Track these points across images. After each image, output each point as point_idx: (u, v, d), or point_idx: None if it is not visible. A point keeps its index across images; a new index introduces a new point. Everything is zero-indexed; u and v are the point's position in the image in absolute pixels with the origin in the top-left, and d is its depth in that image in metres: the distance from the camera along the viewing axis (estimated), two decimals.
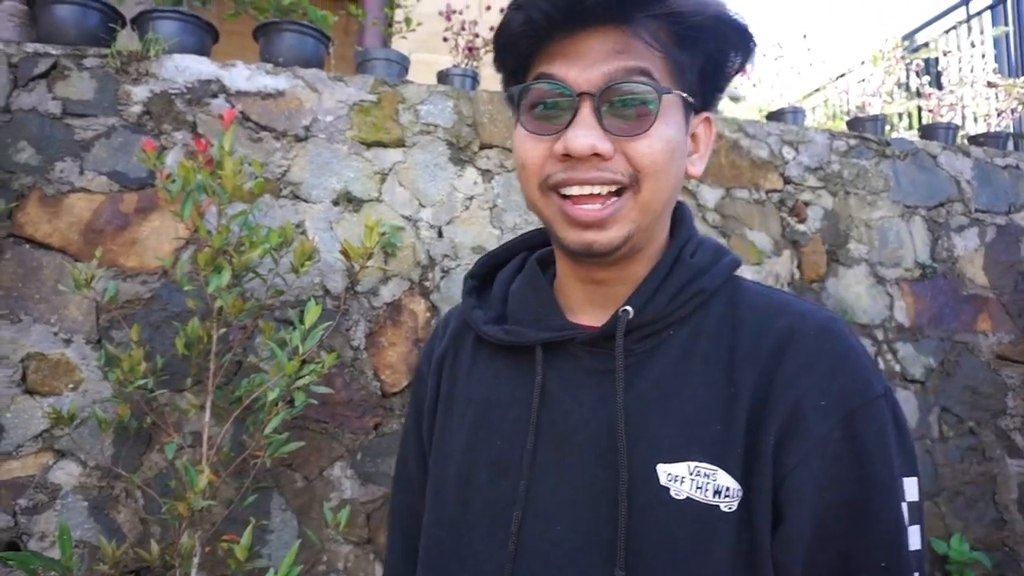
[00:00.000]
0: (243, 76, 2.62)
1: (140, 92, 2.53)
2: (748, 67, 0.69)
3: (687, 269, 0.68)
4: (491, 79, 3.38)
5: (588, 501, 0.63)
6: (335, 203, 2.58)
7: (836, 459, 0.60)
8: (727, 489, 0.61)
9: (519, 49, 0.65)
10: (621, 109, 0.62)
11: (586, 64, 0.62)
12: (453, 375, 0.77)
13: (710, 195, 2.99)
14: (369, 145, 2.66)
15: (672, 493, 0.61)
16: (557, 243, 0.68)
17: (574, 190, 0.63)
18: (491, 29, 3.33)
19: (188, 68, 2.58)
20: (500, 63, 0.69)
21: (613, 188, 0.63)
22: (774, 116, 3.43)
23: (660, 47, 0.62)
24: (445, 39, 3.16)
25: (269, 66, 2.65)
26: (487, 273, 0.79)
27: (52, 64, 2.48)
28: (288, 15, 2.81)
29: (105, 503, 2.16)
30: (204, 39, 2.76)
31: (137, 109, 2.52)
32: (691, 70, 0.66)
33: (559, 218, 0.65)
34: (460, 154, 2.75)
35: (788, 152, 3.13)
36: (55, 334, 2.26)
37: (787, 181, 3.11)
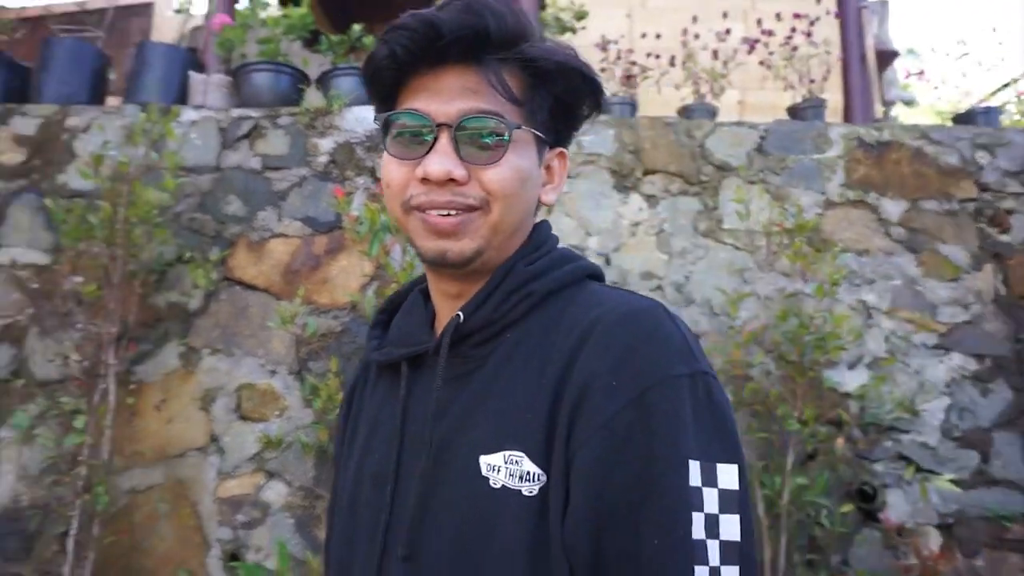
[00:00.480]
0: None
1: (326, 144, 2.77)
2: (599, 107, 0.77)
3: (518, 276, 0.72)
4: (648, 104, 3.36)
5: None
6: None
7: (625, 440, 0.61)
8: (529, 474, 0.64)
9: (384, 80, 0.71)
10: (476, 140, 0.68)
11: (444, 99, 0.69)
12: (360, 402, 0.84)
13: (893, 208, 2.79)
14: None
15: (491, 483, 0.64)
16: (420, 256, 0.74)
17: (431, 214, 0.70)
18: (647, 56, 3.34)
19: (366, 118, 2.79)
20: (370, 91, 0.76)
21: (464, 210, 0.70)
22: (962, 119, 3.15)
23: (505, 91, 0.69)
24: (603, 70, 3.20)
25: None
26: (393, 308, 0.84)
27: (253, 125, 2.78)
28: None
29: (308, 521, 2.35)
30: None
31: (324, 159, 2.76)
32: (542, 110, 0.72)
33: (419, 230, 0.71)
34: (624, 181, 2.76)
35: (982, 157, 2.86)
36: (262, 366, 2.50)
37: (983, 188, 2.83)
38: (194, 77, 2.99)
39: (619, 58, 3.24)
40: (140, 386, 2.50)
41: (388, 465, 0.72)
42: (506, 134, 0.68)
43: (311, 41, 3.18)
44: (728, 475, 0.61)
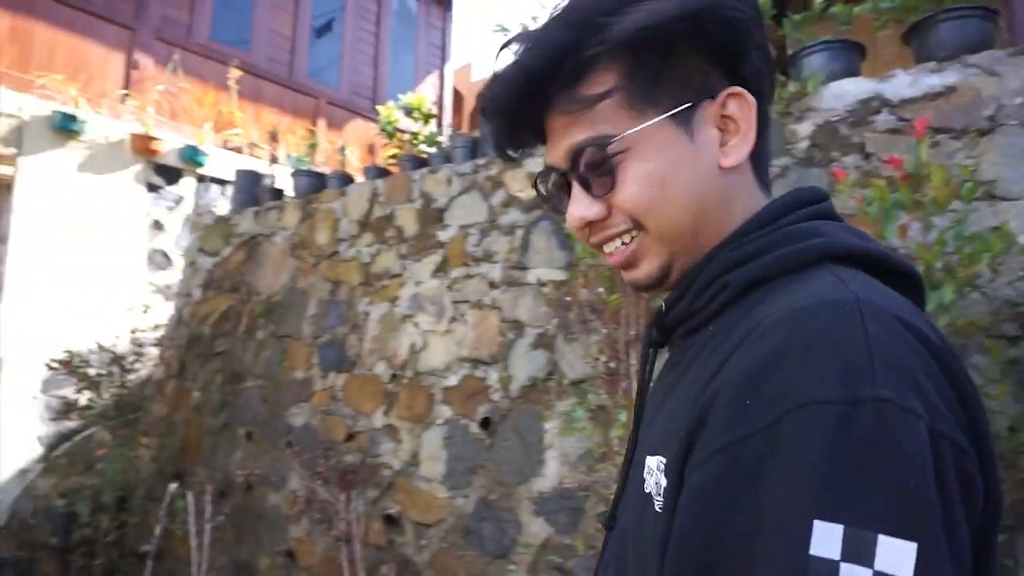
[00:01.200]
0: (904, 83, 2.50)
1: (804, 128, 2.66)
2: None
3: (717, 264, 0.62)
4: None
5: None
6: None
7: (743, 475, 0.46)
8: (659, 486, 0.57)
9: (516, 134, 0.70)
10: (592, 173, 0.63)
11: (554, 144, 0.66)
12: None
13: None
14: None
15: (645, 486, 0.61)
16: None
17: (604, 252, 0.68)
18: None
19: (845, 93, 2.60)
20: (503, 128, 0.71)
21: (625, 235, 0.66)
22: None
23: (585, 103, 0.62)
24: None
25: (932, 64, 2.47)
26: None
27: None
28: (940, 4, 2.59)
29: None
30: (852, 60, 2.76)
31: (804, 144, 2.65)
32: (658, 79, 0.62)
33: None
34: None
35: None
36: None
37: None
38: None
39: None
40: None
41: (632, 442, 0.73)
42: (608, 157, 0.62)
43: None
44: (896, 554, 0.41)
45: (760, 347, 0.50)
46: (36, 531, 4.19)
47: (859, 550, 0.42)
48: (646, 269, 0.66)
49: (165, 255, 5.79)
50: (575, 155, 0.64)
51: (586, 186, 0.65)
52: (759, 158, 0.67)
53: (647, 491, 0.60)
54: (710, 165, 0.63)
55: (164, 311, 5.76)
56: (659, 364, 0.74)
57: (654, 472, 0.59)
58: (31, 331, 4.99)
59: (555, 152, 0.66)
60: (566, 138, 0.64)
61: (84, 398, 5.05)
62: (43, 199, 5.18)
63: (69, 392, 4.98)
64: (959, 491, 0.44)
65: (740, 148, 0.64)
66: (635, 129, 0.62)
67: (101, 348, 5.14)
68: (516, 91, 0.63)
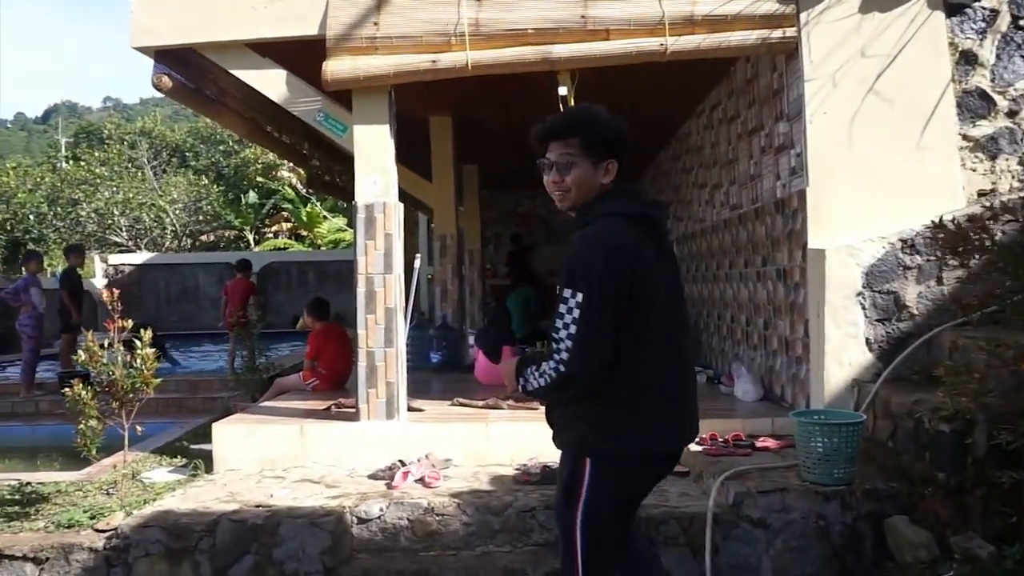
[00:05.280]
0: None
1: None
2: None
3: (580, 214, 2.21)
4: None
5: None
6: None
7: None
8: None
9: (537, 141, 2.20)
10: (564, 167, 2.14)
11: (553, 152, 2.16)
12: None
13: None
14: None
15: None
16: None
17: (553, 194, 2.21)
18: None
19: None
20: (534, 142, 2.21)
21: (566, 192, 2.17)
22: None
23: (573, 148, 2.14)
24: None
25: None
26: None
27: None
28: None
29: None
30: None
31: None
32: (593, 148, 2.13)
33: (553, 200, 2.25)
34: None
35: None
36: None
37: None
38: None
39: None
40: None
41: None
42: (573, 163, 2.13)
43: None
44: (577, 296, 2.00)
45: (575, 240, 2.13)
46: (904, 458, 3.48)
47: (572, 297, 2.01)
48: (567, 206, 2.19)
49: (983, 96, 4.33)
50: (562, 157, 2.13)
51: (560, 170, 2.14)
52: (617, 182, 2.18)
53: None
54: (596, 181, 2.15)
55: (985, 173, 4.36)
56: None
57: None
58: (839, 216, 4.28)
59: (553, 154, 2.15)
60: (559, 150, 2.14)
61: (913, 293, 4.13)
62: (830, 59, 4.32)
63: (898, 287, 4.12)
64: (611, 283, 2.00)
65: (608, 178, 2.15)
66: (584, 159, 2.13)
67: (936, 226, 4.08)
68: (546, 132, 2.17)
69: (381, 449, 4.54)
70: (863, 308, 4.12)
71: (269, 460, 4.57)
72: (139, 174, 24.43)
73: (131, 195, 22.40)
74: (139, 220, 22.72)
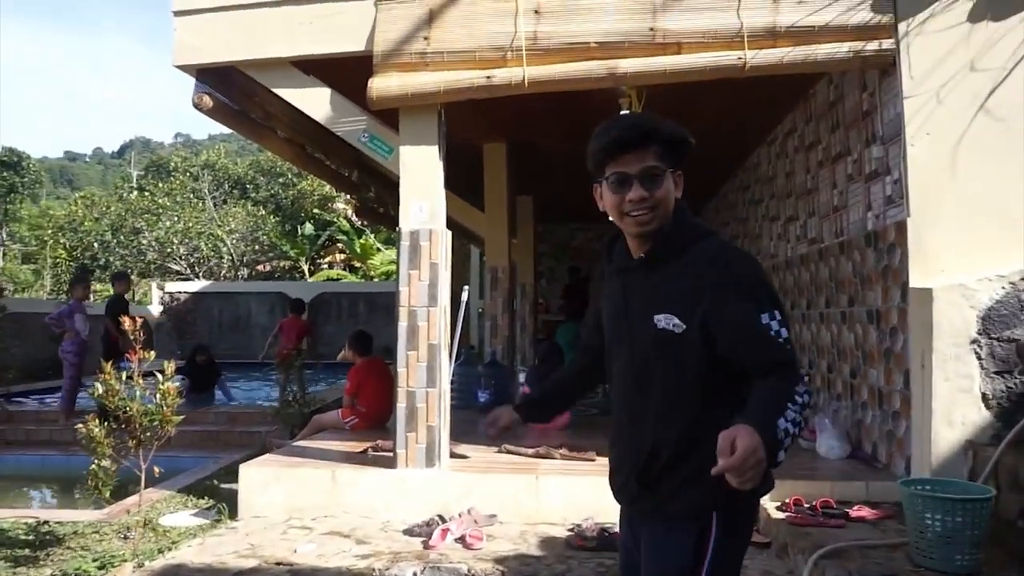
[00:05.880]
0: None
1: None
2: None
3: (676, 231, 1.65)
4: None
5: None
6: None
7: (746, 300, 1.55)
8: (675, 325, 1.57)
9: (598, 159, 1.65)
10: (649, 179, 1.60)
11: (627, 163, 1.60)
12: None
13: None
14: None
15: (656, 327, 1.59)
16: (627, 233, 1.69)
17: (634, 215, 1.63)
18: None
19: None
20: (591, 162, 1.68)
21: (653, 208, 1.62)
22: None
23: (654, 156, 1.61)
24: None
25: None
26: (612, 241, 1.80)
27: None
28: None
29: None
30: None
31: None
32: (671, 157, 1.63)
33: (630, 224, 1.64)
34: None
35: None
36: None
37: None
38: None
39: None
40: None
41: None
42: (662, 173, 1.62)
43: None
44: (778, 318, 1.53)
45: (722, 258, 1.59)
46: None
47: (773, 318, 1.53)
48: (654, 228, 1.62)
49: None
50: (646, 169, 1.60)
51: (645, 184, 1.60)
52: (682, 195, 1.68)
53: (660, 328, 1.58)
54: (675, 193, 1.66)
55: None
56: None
57: (663, 320, 1.58)
58: (946, 251, 3.72)
59: (631, 167, 1.60)
60: (639, 162, 1.59)
61: None
62: (934, 74, 3.81)
63: (1021, 334, 3.52)
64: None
65: (679, 192, 1.67)
66: (663, 171, 1.62)
67: None
68: (619, 142, 1.61)
69: (419, 500, 4.11)
70: (979, 358, 3.53)
71: (297, 507, 4.19)
72: (200, 204, 24.98)
73: (191, 224, 22.83)
74: (197, 249, 23.12)
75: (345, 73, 4.34)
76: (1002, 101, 3.74)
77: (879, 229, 4.23)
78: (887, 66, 3.99)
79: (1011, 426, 3.44)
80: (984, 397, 3.54)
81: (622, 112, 4.49)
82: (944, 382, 3.54)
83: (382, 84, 4.17)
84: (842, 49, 3.90)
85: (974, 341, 3.54)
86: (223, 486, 5.11)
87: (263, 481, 4.26)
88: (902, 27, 3.86)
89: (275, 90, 4.49)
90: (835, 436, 4.51)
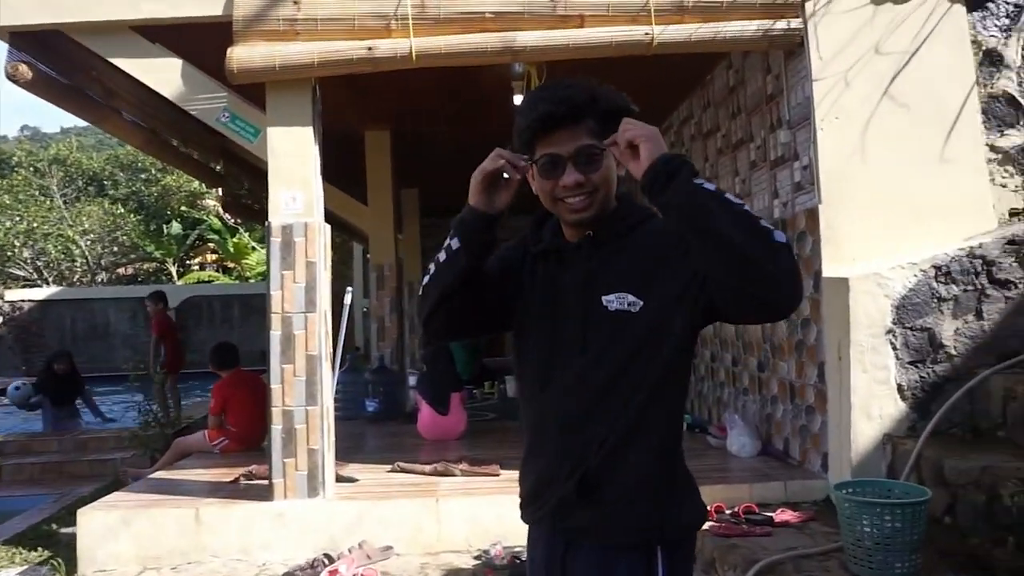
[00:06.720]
0: None
1: None
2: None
3: (622, 212, 1.41)
4: None
5: None
6: None
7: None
8: (631, 303, 1.32)
9: (525, 138, 1.36)
10: (585, 160, 1.33)
11: (558, 143, 1.32)
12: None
13: None
14: None
15: (608, 309, 1.34)
16: (562, 219, 1.41)
17: (569, 201, 1.35)
18: None
19: None
20: (517, 142, 1.37)
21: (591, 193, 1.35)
22: None
23: (590, 132, 1.33)
24: None
25: None
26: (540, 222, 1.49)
27: None
28: None
29: None
30: None
31: None
32: (609, 131, 1.30)
33: (564, 210, 1.37)
34: None
35: None
36: None
37: None
38: None
39: None
40: None
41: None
42: (600, 153, 1.34)
43: None
44: None
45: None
46: (974, 542, 2.75)
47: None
48: (592, 214, 1.36)
49: (1011, 101, 3.75)
50: (581, 149, 1.32)
51: (581, 166, 1.32)
52: None
53: (613, 310, 1.33)
54: (615, 175, 1.39)
55: (1017, 189, 3.77)
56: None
57: (615, 300, 1.33)
58: (857, 239, 3.59)
59: (563, 146, 1.32)
60: (572, 141, 1.32)
61: (950, 329, 3.45)
62: (841, 56, 3.68)
63: (932, 322, 3.44)
64: None
65: (621, 168, 1.37)
66: (605, 143, 1.32)
67: (971, 254, 3.45)
68: (549, 117, 1.32)
69: (302, 536, 3.56)
70: (894, 348, 3.42)
71: (153, 556, 3.53)
72: (47, 202, 22.57)
73: (35, 224, 20.55)
74: (44, 252, 20.87)
75: (200, 41, 3.69)
76: (906, 86, 3.66)
77: (787, 217, 4.08)
78: (795, 47, 3.83)
79: (926, 417, 3.34)
80: (899, 388, 3.43)
81: (515, 97, 4.12)
82: (862, 374, 3.40)
83: (244, 55, 3.57)
84: (750, 27, 3.70)
85: (889, 331, 3.42)
86: (64, 530, 4.33)
87: (108, 527, 3.56)
88: (809, 6, 3.70)
89: (113, 60, 3.77)
90: (746, 433, 4.35)
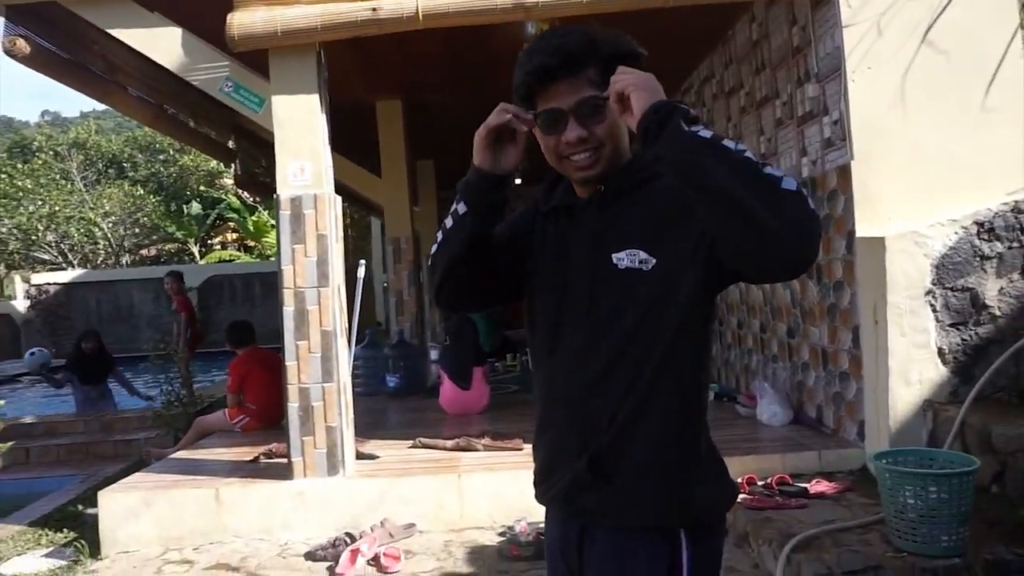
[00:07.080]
0: None
1: None
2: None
3: (634, 165, 1.27)
4: None
5: None
6: None
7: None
8: (643, 261, 1.20)
9: (522, 94, 1.25)
10: (588, 112, 1.20)
11: (557, 97, 1.21)
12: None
13: None
14: None
15: (619, 267, 1.22)
16: (570, 178, 1.30)
17: (574, 159, 1.23)
18: None
19: None
20: (516, 99, 1.26)
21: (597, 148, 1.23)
22: None
23: (591, 83, 1.20)
24: None
25: None
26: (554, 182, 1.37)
27: None
28: None
29: None
30: None
31: None
32: (608, 80, 1.18)
33: (570, 167, 1.25)
34: None
35: None
36: None
37: None
38: None
39: None
40: None
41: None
42: (603, 103, 1.20)
43: None
44: None
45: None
46: (1022, 507, 2.60)
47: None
48: (598, 171, 1.24)
49: None
50: (582, 102, 1.20)
51: (583, 120, 1.21)
52: None
53: (624, 268, 1.21)
54: (624, 127, 1.24)
55: None
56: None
57: (625, 258, 1.21)
58: (893, 197, 3.40)
59: (564, 100, 1.20)
60: (573, 93, 1.20)
61: (993, 289, 3.27)
62: (869, 1, 3.45)
63: (975, 281, 3.26)
64: None
65: (632, 121, 1.15)
66: (606, 94, 1.18)
67: (1016, 209, 3.25)
68: (545, 69, 1.21)
69: (323, 515, 3.51)
70: (934, 310, 3.25)
71: (175, 537, 3.50)
72: (68, 186, 22.73)
73: (58, 208, 20.71)
74: (68, 235, 21.06)
75: (199, 8, 3.56)
76: (943, 31, 3.43)
77: (817, 175, 3.88)
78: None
79: (968, 382, 3.18)
80: (940, 352, 3.26)
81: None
82: (900, 338, 3.24)
83: (244, 20, 3.43)
84: None
85: (928, 292, 3.25)
86: (90, 511, 4.32)
87: (129, 509, 3.53)
88: None
89: (111, 31, 3.65)
90: (777, 401, 4.21)
